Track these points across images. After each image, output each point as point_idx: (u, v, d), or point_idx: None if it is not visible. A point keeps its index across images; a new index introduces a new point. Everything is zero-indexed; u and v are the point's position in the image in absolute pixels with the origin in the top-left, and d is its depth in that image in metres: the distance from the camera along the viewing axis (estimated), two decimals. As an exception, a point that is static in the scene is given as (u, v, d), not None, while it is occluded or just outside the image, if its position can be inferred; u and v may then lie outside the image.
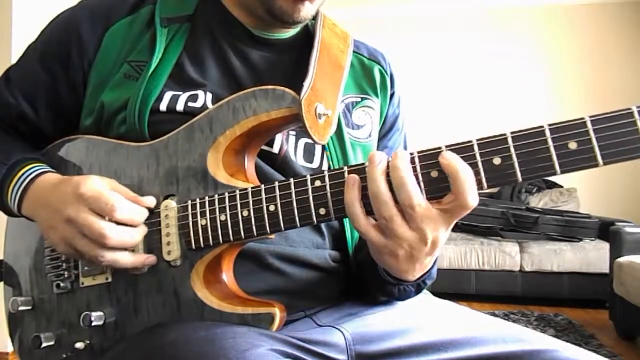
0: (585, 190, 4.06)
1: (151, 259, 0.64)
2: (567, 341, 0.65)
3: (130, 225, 0.63)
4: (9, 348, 0.75)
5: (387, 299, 0.74)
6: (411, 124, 0.91)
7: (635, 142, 0.46)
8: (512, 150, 0.50)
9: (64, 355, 0.70)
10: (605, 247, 3.28)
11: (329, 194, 0.56)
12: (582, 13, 4.47)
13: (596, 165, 0.47)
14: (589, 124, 0.47)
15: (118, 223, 0.61)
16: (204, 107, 0.69)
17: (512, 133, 0.50)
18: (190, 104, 0.69)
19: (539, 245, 3.50)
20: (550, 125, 0.49)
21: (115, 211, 0.60)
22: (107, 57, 0.72)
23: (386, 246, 0.55)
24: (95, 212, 0.60)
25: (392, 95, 0.85)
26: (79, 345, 0.68)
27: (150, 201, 0.65)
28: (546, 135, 0.49)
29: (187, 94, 0.70)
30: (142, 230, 0.64)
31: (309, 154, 0.73)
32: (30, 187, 0.68)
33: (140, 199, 0.64)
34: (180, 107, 0.68)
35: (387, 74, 0.85)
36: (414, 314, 0.72)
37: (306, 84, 0.64)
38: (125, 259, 0.62)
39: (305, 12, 0.71)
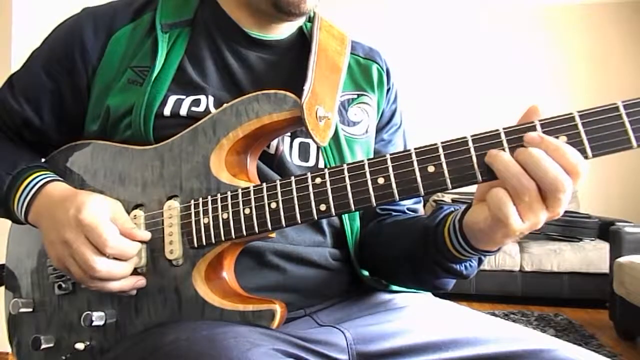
0: (585, 190, 4.06)
1: (141, 282, 0.65)
2: (567, 341, 0.65)
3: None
4: (9, 348, 0.75)
5: (446, 280, 0.72)
6: (416, 120, 0.92)
7: (622, 134, 0.48)
8: (505, 144, 0.51)
9: (64, 357, 0.70)
10: (605, 247, 3.28)
11: (329, 190, 0.57)
12: (582, 12, 4.48)
13: (585, 158, 0.49)
14: (577, 118, 0.49)
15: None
16: (207, 110, 0.70)
17: (504, 129, 0.51)
18: (193, 108, 0.70)
19: (539, 245, 3.50)
20: (541, 120, 0.50)
21: (107, 247, 0.61)
22: (110, 63, 0.73)
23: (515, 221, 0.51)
24: (90, 242, 0.61)
25: (388, 90, 0.86)
26: (79, 346, 0.68)
27: (145, 235, 0.65)
28: (537, 130, 0.50)
29: (191, 98, 0.71)
30: (133, 263, 0.64)
31: (304, 153, 0.74)
32: (37, 196, 0.69)
33: (135, 233, 0.64)
34: (183, 111, 0.70)
35: (383, 70, 0.86)
36: (415, 314, 0.72)
37: (306, 87, 0.65)
38: (111, 286, 0.63)
39: (310, 2, 0.72)
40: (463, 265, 0.66)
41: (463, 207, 0.62)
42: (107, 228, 0.62)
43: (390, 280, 0.79)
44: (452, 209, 0.66)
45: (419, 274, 0.72)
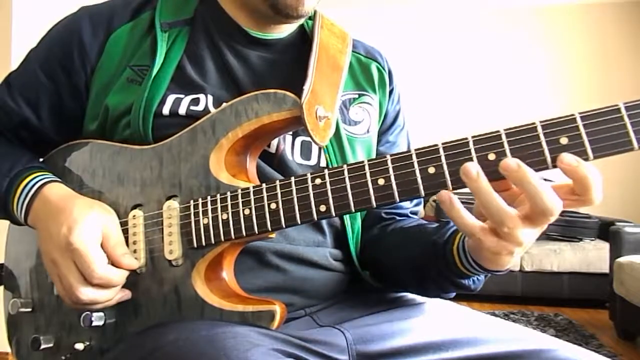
0: (585, 190, 4.05)
1: (126, 296, 0.65)
2: (567, 341, 0.65)
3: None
4: (9, 348, 0.75)
5: (454, 292, 0.71)
6: (416, 121, 0.92)
7: (623, 136, 0.47)
8: (506, 146, 0.51)
9: (63, 357, 0.70)
10: (605, 247, 3.28)
11: (329, 191, 0.57)
12: (582, 12, 4.48)
13: (586, 160, 0.49)
14: (578, 119, 0.49)
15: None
16: (206, 110, 0.69)
17: (505, 130, 0.51)
18: (192, 107, 0.70)
19: (539, 245, 3.49)
20: (542, 121, 0.50)
21: (93, 277, 0.61)
22: (109, 62, 0.73)
23: (504, 247, 0.52)
24: (77, 268, 0.62)
25: (391, 91, 0.86)
26: (79, 346, 0.68)
27: (133, 264, 0.65)
28: (538, 131, 0.50)
29: (190, 97, 0.70)
30: (117, 290, 0.64)
31: (306, 151, 0.74)
32: (35, 199, 0.68)
33: (122, 261, 0.64)
34: (182, 110, 0.69)
35: (384, 70, 0.86)
36: (415, 314, 0.72)
37: (306, 87, 0.65)
38: (93, 308, 0.64)
39: (308, 4, 0.71)
40: (471, 280, 0.66)
41: None
42: (96, 256, 0.61)
43: (391, 286, 0.79)
44: None
45: (424, 283, 0.71)
